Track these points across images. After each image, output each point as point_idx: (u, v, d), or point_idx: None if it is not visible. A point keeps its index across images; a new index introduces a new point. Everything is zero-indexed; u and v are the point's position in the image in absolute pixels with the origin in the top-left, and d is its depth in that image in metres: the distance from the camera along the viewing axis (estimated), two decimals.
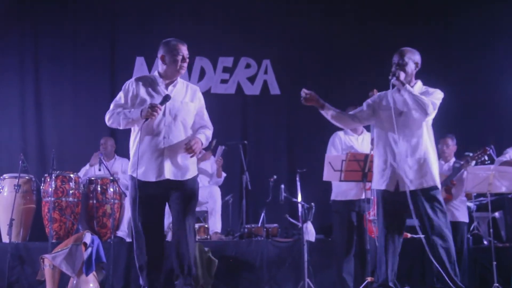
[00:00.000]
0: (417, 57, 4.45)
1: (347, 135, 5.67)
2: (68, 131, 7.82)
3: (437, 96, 4.33)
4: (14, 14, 8.00)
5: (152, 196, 3.98)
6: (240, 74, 8.17)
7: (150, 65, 8.01)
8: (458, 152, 6.31)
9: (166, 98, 3.95)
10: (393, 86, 4.33)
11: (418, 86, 4.41)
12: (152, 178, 3.97)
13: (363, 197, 5.32)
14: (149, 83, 4.10)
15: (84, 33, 8.06)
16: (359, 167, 4.93)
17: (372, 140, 5.15)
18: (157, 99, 3.99)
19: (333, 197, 5.59)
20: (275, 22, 8.19)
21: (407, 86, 4.26)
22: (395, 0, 8.19)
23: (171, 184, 4.00)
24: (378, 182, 4.36)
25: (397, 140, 4.26)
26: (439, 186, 4.31)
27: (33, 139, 7.79)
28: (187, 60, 4.11)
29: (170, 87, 4.08)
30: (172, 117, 4.01)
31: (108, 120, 4.10)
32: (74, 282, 5.10)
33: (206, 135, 4.13)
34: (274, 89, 8.17)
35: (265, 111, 8.17)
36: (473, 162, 5.73)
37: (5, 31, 7.93)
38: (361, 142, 5.65)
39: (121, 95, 4.12)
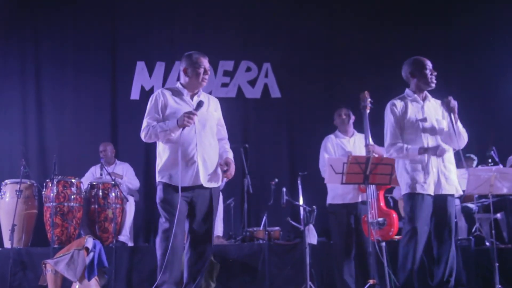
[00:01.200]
0: None
1: (338, 138, 5.66)
2: (69, 136, 7.83)
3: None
4: (15, 19, 8.03)
5: (182, 201, 4.02)
6: (241, 77, 8.18)
7: (150, 69, 8.03)
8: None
9: (200, 104, 4.06)
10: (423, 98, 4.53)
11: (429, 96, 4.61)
12: (185, 183, 4.03)
13: (360, 200, 5.33)
14: (176, 93, 4.20)
15: (85, 38, 8.08)
16: (360, 169, 4.91)
17: (367, 146, 5.20)
18: (185, 109, 4.06)
19: (329, 200, 5.57)
20: (275, 26, 8.21)
21: (459, 123, 4.46)
22: (396, 2, 8.19)
23: (201, 190, 4.10)
24: (413, 186, 4.43)
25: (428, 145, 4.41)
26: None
27: (34, 144, 7.81)
28: (209, 72, 4.23)
29: (195, 98, 4.19)
30: (202, 125, 4.12)
31: (145, 136, 4.11)
32: (76, 287, 5.09)
33: (231, 152, 4.31)
34: (275, 92, 8.18)
35: (266, 115, 8.18)
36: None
37: (6, 36, 7.96)
38: (353, 143, 5.64)
39: (150, 108, 4.17)
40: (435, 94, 4.63)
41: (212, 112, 4.24)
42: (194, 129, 4.07)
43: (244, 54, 8.20)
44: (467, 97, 7.76)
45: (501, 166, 6.12)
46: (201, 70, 4.15)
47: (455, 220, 6.69)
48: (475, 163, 7.09)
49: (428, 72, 4.47)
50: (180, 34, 8.12)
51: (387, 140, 4.55)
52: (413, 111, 4.49)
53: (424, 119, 4.46)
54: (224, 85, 8.15)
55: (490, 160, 6.46)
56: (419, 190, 4.38)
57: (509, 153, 6.68)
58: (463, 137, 4.47)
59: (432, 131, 4.46)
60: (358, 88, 5.54)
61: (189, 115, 3.95)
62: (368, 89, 5.60)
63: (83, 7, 8.13)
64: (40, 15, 8.11)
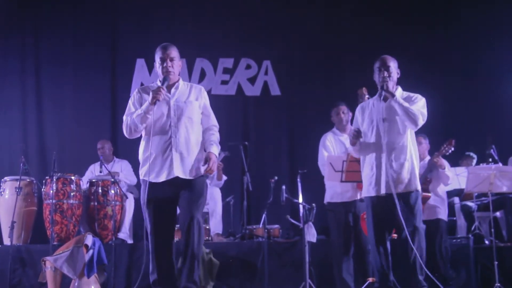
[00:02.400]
0: (396, 64, 4.58)
1: (336, 136, 5.65)
2: (69, 134, 7.84)
3: (421, 104, 4.46)
4: (15, 17, 8.03)
5: (162, 198, 4.07)
6: (241, 75, 8.18)
7: (150, 67, 8.02)
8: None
9: (165, 79, 4.10)
10: (385, 98, 4.46)
11: (399, 92, 4.54)
12: (162, 178, 4.05)
13: (358, 197, 5.34)
14: (152, 89, 4.18)
15: (84, 35, 8.08)
16: (359, 167, 4.92)
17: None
18: (161, 103, 4.09)
19: (327, 199, 5.57)
20: (275, 23, 8.19)
21: (397, 97, 4.40)
22: (395, 1, 8.18)
23: (180, 183, 4.07)
24: (368, 189, 4.50)
25: (382, 146, 4.40)
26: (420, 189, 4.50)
27: (34, 142, 7.81)
28: (168, 60, 4.15)
29: (172, 90, 4.19)
30: (178, 117, 4.11)
31: (125, 129, 4.15)
32: (76, 284, 5.10)
33: (216, 144, 4.22)
34: (275, 90, 8.17)
35: (265, 112, 8.17)
36: (442, 156, 5.71)
37: (6, 34, 7.96)
38: None
39: (129, 105, 4.23)
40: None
41: (192, 101, 4.20)
42: (170, 121, 4.08)
43: (244, 52, 8.19)
44: (467, 97, 7.78)
45: (500, 164, 6.11)
46: (158, 62, 4.17)
47: (454, 218, 6.75)
48: (474, 161, 7.09)
49: (376, 72, 4.56)
50: (180, 31, 8.10)
51: None
52: (370, 113, 4.57)
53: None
54: (224, 82, 8.15)
55: (490, 159, 6.46)
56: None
57: (508, 152, 6.68)
58: (408, 113, 4.35)
59: (384, 131, 4.45)
60: (358, 85, 5.53)
61: (156, 90, 4.01)
62: (367, 86, 5.60)
63: (83, 5, 8.13)
64: (40, 13, 8.11)
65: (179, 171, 4.05)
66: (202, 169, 4.12)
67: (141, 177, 4.18)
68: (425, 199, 5.57)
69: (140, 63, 8.06)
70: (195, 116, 4.19)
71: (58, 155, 6.15)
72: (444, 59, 7.86)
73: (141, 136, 4.22)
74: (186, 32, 8.10)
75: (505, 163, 6.49)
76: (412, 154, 4.45)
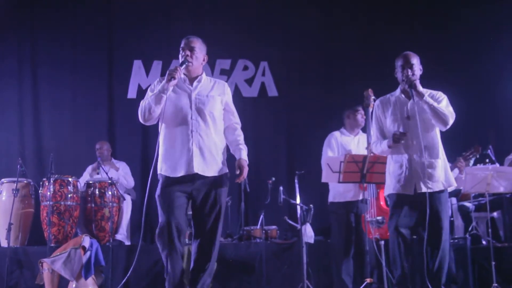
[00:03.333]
0: (419, 61, 4.51)
1: (343, 136, 5.67)
2: (66, 135, 7.82)
3: (446, 102, 4.41)
4: (12, 19, 8.00)
5: (178, 191, 3.88)
6: (238, 76, 8.18)
7: (148, 68, 8.03)
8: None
9: (184, 62, 3.97)
10: (407, 95, 4.39)
11: (423, 89, 4.46)
12: (181, 172, 3.88)
13: (360, 198, 5.34)
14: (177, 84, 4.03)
15: (81, 37, 8.07)
16: (357, 168, 4.93)
17: (369, 144, 5.19)
18: (182, 94, 3.98)
19: (331, 199, 5.58)
20: (273, 24, 8.20)
21: (426, 97, 4.31)
22: (394, 1, 8.19)
23: (199, 180, 3.91)
24: (395, 186, 4.40)
25: (411, 145, 4.33)
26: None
27: (31, 143, 7.79)
28: (186, 50, 4.04)
29: (195, 83, 4.05)
30: (199, 111, 3.96)
31: (140, 112, 3.93)
32: (73, 286, 5.09)
33: (244, 147, 4.11)
34: (272, 91, 8.17)
35: (263, 113, 8.17)
36: (471, 161, 5.73)
37: (3, 36, 7.94)
38: (357, 143, 5.65)
39: (148, 91, 4.06)
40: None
41: (214, 96, 4.04)
42: (190, 114, 3.94)
43: (241, 53, 8.18)
44: (465, 97, 7.77)
45: (497, 165, 6.12)
46: (180, 52, 4.06)
47: (452, 218, 6.76)
48: (471, 162, 7.10)
49: (398, 69, 4.46)
50: (177, 32, 8.06)
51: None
52: (394, 109, 4.48)
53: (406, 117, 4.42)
54: None
55: (487, 160, 6.47)
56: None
57: (506, 152, 6.69)
58: (438, 114, 4.30)
59: (410, 129, 4.38)
60: (356, 86, 5.54)
61: (173, 69, 3.86)
62: (366, 86, 5.61)
63: (80, 6, 8.11)
64: (36, 15, 8.09)
65: (199, 168, 3.88)
66: (223, 166, 3.99)
67: (158, 172, 3.97)
68: None
69: (137, 64, 8.05)
70: (216, 111, 4.05)
71: (55, 156, 6.13)
72: (444, 59, 7.86)
73: (157, 129, 4.00)
74: (183, 34, 7.92)
75: (501, 163, 6.50)
76: (443, 152, 4.41)
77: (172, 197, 3.87)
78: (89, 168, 7.01)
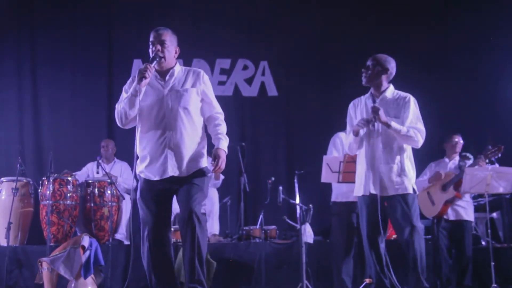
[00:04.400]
0: (392, 64, 4.53)
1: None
2: (65, 134, 7.82)
3: (414, 113, 4.41)
4: (11, 19, 8.00)
5: (157, 193, 3.79)
6: (238, 75, 8.18)
7: None
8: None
9: (154, 58, 3.76)
10: (373, 99, 4.47)
11: (390, 91, 4.52)
12: (156, 177, 3.76)
13: None
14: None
15: (81, 36, 8.06)
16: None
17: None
18: (153, 92, 3.81)
19: (333, 198, 5.58)
20: (272, 24, 8.20)
21: (393, 125, 4.31)
22: (393, 2, 8.19)
23: (177, 181, 3.77)
24: (359, 188, 4.48)
25: (375, 147, 4.38)
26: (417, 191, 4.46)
27: (30, 142, 7.79)
28: (157, 44, 3.83)
29: (166, 77, 3.85)
30: (172, 108, 3.76)
31: (116, 116, 3.84)
32: (73, 285, 5.08)
33: (224, 137, 3.87)
34: (272, 91, 8.18)
35: (262, 113, 8.18)
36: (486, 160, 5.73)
37: (2, 35, 7.93)
38: None
39: (122, 92, 3.94)
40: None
41: (188, 89, 3.83)
42: (164, 113, 3.75)
43: (241, 52, 8.19)
44: (465, 98, 7.78)
45: (497, 165, 6.11)
46: (150, 48, 3.85)
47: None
48: (470, 162, 7.09)
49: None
50: (177, 32, 8.01)
51: None
52: (361, 110, 4.55)
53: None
54: (221, 83, 8.15)
55: (486, 160, 6.46)
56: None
57: (506, 153, 6.67)
58: (407, 139, 4.34)
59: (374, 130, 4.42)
60: (355, 86, 5.52)
61: (143, 68, 3.66)
62: (365, 88, 5.60)
63: (80, 5, 8.10)
64: (36, 14, 8.08)
65: (174, 170, 3.74)
66: (209, 166, 3.80)
67: (137, 171, 3.86)
68: (455, 199, 5.66)
69: (137, 63, 8.03)
70: (192, 105, 3.82)
71: (55, 156, 6.13)
72: (443, 60, 7.88)
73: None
74: (183, 33, 7.95)
75: (501, 164, 6.49)
76: (404, 156, 4.40)
77: (146, 199, 3.80)
78: (89, 165, 6.98)
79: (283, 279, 5.81)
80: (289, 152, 8.12)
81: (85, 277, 5.06)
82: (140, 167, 3.84)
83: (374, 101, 4.45)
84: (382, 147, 4.37)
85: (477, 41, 7.92)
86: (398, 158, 4.37)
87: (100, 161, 6.60)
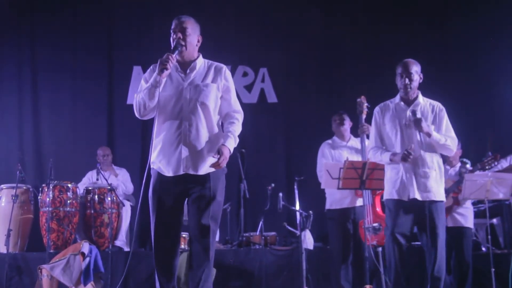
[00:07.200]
0: (420, 68, 4.53)
1: (335, 143, 5.68)
2: (65, 141, 7.83)
3: (446, 123, 4.47)
4: (12, 24, 8.02)
5: (169, 194, 3.63)
6: (237, 82, 8.16)
7: None
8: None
9: (176, 47, 3.65)
10: (407, 102, 4.48)
11: (421, 98, 4.53)
12: (170, 173, 3.59)
13: (357, 204, 5.35)
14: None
15: (81, 42, 8.08)
16: (357, 174, 4.93)
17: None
18: (173, 84, 3.66)
19: (328, 206, 5.59)
20: (272, 31, 8.22)
21: (434, 135, 4.35)
22: (393, 6, 8.20)
23: (191, 180, 3.60)
24: (391, 192, 4.44)
25: (415, 153, 4.34)
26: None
27: (30, 149, 7.79)
28: (178, 32, 3.73)
29: (188, 71, 3.70)
30: (190, 102, 3.60)
31: (135, 107, 3.65)
32: None
33: (234, 136, 3.72)
34: (271, 97, 8.19)
35: (262, 119, 8.16)
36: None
37: (3, 41, 7.95)
38: (350, 148, 5.66)
39: (141, 82, 3.77)
40: (433, 96, 4.63)
41: (208, 83, 3.66)
42: (181, 107, 3.60)
43: (241, 59, 8.20)
44: (465, 101, 7.78)
45: (502, 164, 6.10)
46: (172, 36, 3.76)
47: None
48: (467, 166, 7.09)
49: (398, 77, 4.49)
50: None
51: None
52: (392, 116, 4.51)
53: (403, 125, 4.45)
54: None
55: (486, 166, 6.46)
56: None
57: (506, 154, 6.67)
58: (444, 148, 4.40)
59: (408, 137, 4.42)
60: (355, 92, 5.55)
61: (164, 58, 3.52)
62: (364, 93, 5.62)
63: (80, 12, 8.12)
64: (37, 21, 8.11)
65: (188, 167, 3.56)
66: (211, 160, 3.58)
67: (152, 166, 3.68)
68: (453, 207, 5.65)
69: (137, 70, 8.05)
70: (210, 101, 3.64)
71: (55, 162, 6.14)
72: (443, 61, 7.88)
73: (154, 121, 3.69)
74: None
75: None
76: (439, 163, 4.45)
77: (157, 194, 3.64)
78: (89, 174, 7.00)
79: (283, 285, 5.81)
80: (289, 159, 8.12)
81: (85, 284, 5.06)
82: (154, 157, 3.65)
83: (408, 108, 4.45)
84: (422, 153, 4.37)
85: (477, 41, 7.88)
86: (436, 164, 4.41)
87: (100, 168, 6.60)
